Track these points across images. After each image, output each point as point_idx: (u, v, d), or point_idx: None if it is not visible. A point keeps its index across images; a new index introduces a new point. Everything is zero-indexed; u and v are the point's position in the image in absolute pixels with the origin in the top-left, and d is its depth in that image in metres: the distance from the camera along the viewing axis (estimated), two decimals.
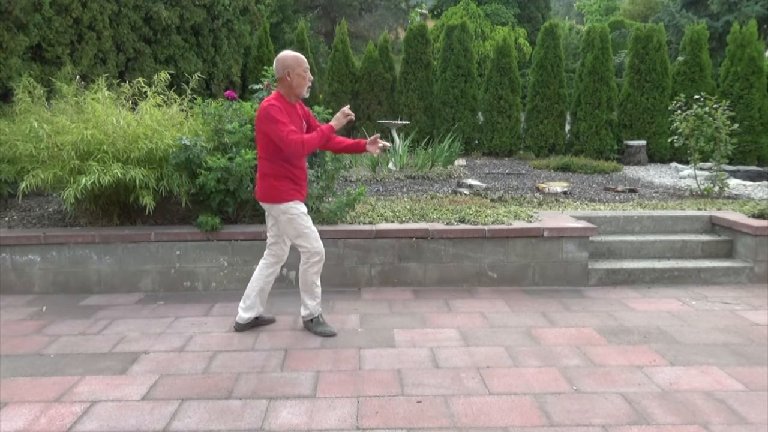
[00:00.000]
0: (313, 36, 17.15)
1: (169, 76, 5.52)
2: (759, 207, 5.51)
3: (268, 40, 11.42)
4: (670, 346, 3.56)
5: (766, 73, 10.39)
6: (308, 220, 3.61)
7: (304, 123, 3.65)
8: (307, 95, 3.59)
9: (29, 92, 5.06)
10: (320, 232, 4.70)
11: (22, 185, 4.34)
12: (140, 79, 5.42)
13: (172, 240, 4.67)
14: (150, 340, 3.67)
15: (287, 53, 3.51)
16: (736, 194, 7.10)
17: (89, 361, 3.36)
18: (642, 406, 2.82)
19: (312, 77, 3.59)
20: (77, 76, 6.00)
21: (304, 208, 3.61)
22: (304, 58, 3.53)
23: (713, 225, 5.44)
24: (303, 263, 3.67)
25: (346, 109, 3.60)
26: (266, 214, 3.75)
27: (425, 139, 11.04)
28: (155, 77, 5.32)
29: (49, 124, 4.54)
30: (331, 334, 3.75)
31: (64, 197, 4.31)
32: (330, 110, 5.39)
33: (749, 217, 5.27)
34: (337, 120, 3.58)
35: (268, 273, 3.80)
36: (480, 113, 11.25)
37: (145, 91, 5.17)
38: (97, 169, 4.34)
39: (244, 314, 3.80)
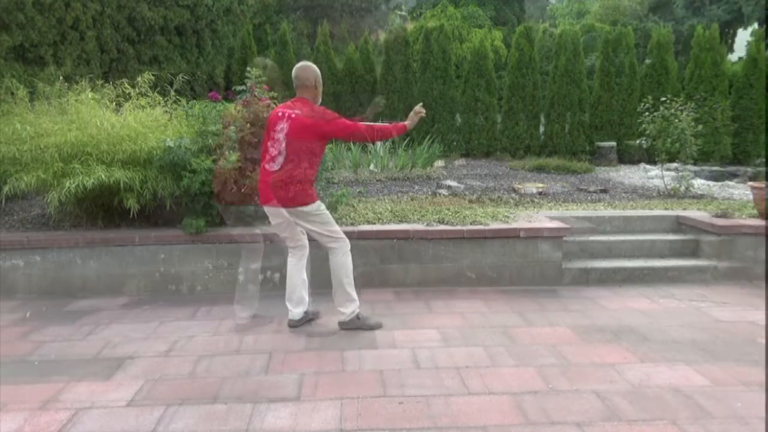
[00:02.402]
0: (296, 38, 17.08)
1: (152, 77, 5.52)
2: (722, 206, 5.70)
3: (251, 41, 11.39)
4: (641, 343, 3.72)
5: (728, 76, 10.73)
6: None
7: None
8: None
9: (12, 93, 5.01)
10: None
11: (5, 189, 4.32)
12: (124, 80, 5.41)
13: (156, 243, 4.69)
14: (135, 345, 3.69)
15: (313, 65, 3.70)
16: (701, 194, 7.33)
17: (74, 367, 3.37)
18: (614, 402, 2.94)
19: None
20: (60, 77, 5.96)
21: None
22: None
23: (680, 224, 5.63)
24: (340, 255, 3.78)
25: (417, 107, 3.86)
26: (280, 222, 3.78)
27: (405, 141, 11.15)
28: (139, 78, 5.32)
29: (32, 126, 4.51)
30: (379, 326, 3.98)
31: (48, 200, 4.30)
32: None
33: (713, 216, 5.47)
34: (411, 120, 3.85)
35: (301, 265, 3.95)
36: (458, 115, 11.39)
37: (129, 93, 5.16)
38: (81, 172, 4.34)
39: (295, 310, 3.93)
